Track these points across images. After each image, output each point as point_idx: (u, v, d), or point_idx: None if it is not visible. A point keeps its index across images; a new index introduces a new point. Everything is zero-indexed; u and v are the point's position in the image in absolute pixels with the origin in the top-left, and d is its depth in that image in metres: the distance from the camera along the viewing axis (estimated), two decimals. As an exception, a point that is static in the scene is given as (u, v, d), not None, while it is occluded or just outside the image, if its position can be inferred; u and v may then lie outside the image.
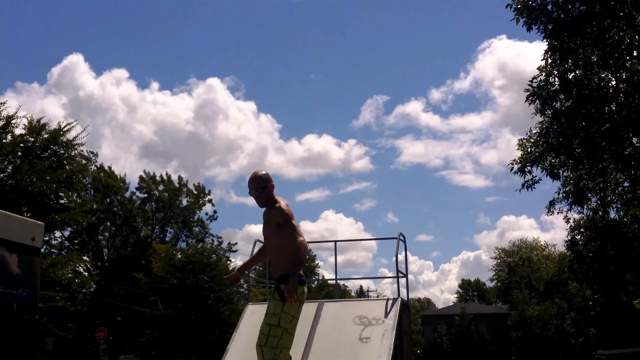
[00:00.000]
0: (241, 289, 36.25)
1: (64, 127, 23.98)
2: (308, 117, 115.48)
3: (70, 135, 23.99)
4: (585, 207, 18.66)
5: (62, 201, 24.09)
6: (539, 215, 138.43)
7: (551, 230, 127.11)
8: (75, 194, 26.81)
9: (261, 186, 5.62)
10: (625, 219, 22.37)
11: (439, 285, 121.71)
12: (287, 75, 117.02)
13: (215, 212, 47.77)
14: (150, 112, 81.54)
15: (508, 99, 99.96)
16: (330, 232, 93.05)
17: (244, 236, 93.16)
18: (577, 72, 15.97)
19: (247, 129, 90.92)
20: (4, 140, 22.36)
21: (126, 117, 78.95)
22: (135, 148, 79.95)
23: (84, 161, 31.00)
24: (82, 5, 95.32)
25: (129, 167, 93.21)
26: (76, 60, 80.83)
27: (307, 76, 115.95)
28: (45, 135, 23.46)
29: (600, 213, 20.26)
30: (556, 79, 15.87)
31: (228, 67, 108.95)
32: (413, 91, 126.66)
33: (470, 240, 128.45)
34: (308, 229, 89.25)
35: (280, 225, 5.53)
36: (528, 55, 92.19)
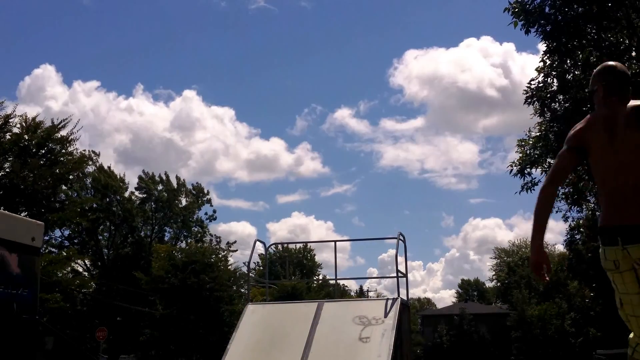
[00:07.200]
0: (241, 289, 36.26)
1: (59, 123, 23.91)
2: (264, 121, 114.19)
3: (64, 132, 23.92)
4: (584, 207, 18.69)
5: (61, 198, 24.00)
6: (506, 216, 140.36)
7: (515, 229, 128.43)
8: (75, 194, 26.71)
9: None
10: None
11: (424, 285, 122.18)
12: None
13: (214, 211, 47.89)
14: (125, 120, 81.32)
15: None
16: (302, 229, 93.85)
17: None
18: (575, 73, 16.00)
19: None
20: (1, 140, 22.30)
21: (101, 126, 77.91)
22: (111, 153, 79.07)
23: (79, 153, 30.69)
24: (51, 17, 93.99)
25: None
26: (48, 72, 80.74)
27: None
28: (41, 134, 23.36)
29: (599, 214, 20.24)
30: (554, 81, 15.91)
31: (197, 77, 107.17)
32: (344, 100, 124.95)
33: (439, 243, 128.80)
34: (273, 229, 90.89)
35: None
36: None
